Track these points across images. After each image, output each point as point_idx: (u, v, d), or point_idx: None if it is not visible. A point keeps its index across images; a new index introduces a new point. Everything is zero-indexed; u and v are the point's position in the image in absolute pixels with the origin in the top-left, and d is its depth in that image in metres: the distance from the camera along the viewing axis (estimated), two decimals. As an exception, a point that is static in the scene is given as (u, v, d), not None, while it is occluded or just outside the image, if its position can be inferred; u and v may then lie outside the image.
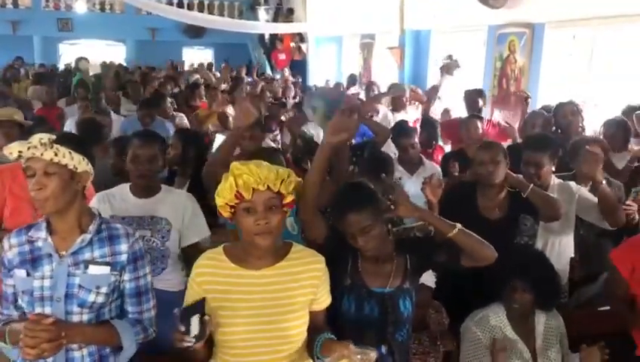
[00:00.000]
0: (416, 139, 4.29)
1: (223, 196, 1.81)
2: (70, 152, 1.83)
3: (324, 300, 1.97)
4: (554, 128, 4.61)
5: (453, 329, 2.80)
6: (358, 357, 1.72)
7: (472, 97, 5.52)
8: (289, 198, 1.84)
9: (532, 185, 2.99)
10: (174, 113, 6.38)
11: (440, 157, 4.91)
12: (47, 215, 1.89)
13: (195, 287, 1.87)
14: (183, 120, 6.35)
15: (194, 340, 1.67)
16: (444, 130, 5.52)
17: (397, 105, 6.72)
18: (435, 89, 7.04)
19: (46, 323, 1.72)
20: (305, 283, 1.90)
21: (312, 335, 1.92)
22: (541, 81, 7.54)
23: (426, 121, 5.48)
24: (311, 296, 1.92)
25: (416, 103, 7.20)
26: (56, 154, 1.80)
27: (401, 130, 4.33)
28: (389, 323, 2.17)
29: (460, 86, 6.70)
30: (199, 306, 1.71)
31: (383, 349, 2.18)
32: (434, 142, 5.18)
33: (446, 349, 2.78)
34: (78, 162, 1.86)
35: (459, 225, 2.15)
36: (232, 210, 1.83)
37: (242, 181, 1.76)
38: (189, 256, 2.69)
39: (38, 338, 1.69)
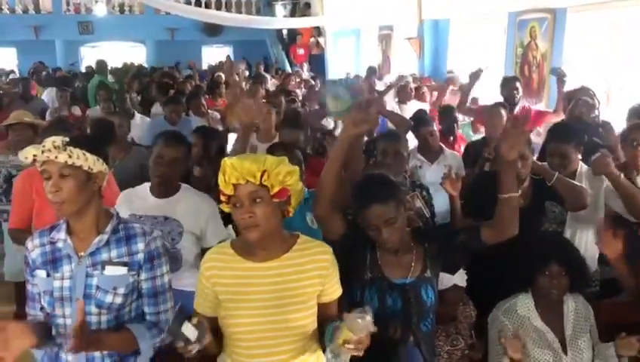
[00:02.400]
0: (435, 128, 4.26)
1: (222, 192, 1.83)
2: (84, 153, 1.84)
3: (333, 291, 1.96)
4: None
5: (481, 321, 2.77)
6: (359, 321, 1.69)
7: (510, 84, 5.41)
8: (276, 188, 1.80)
9: (557, 173, 2.92)
10: (209, 111, 6.39)
11: (461, 147, 4.85)
12: (66, 216, 1.90)
13: (204, 281, 1.89)
14: (217, 118, 6.37)
15: (197, 344, 1.66)
16: (477, 117, 5.45)
17: (403, 97, 6.67)
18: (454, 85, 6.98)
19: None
20: (312, 273, 1.90)
21: (323, 326, 1.91)
22: (564, 66, 7.39)
23: (445, 110, 5.41)
24: (319, 286, 1.91)
25: (426, 95, 7.13)
26: (70, 156, 1.81)
27: (418, 119, 4.31)
28: (413, 314, 2.16)
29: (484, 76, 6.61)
30: (181, 314, 1.70)
31: (411, 340, 2.16)
32: (454, 131, 5.11)
33: (470, 343, 2.75)
34: (92, 163, 1.86)
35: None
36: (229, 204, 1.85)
37: (225, 177, 1.78)
38: None
39: None
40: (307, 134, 4.06)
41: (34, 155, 1.81)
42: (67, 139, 1.85)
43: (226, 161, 1.79)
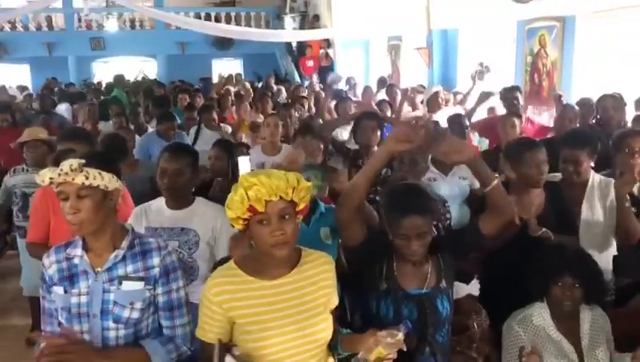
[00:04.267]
0: None
1: (234, 209, 1.78)
2: (100, 173, 1.86)
3: (335, 299, 1.98)
4: (593, 121, 4.50)
5: (494, 331, 2.76)
6: (388, 339, 1.74)
7: (510, 94, 5.42)
8: (302, 205, 1.82)
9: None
10: (221, 124, 6.44)
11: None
12: (83, 235, 1.92)
13: (214, 308, 1.83)
14: (229, 131, 6.42)
15: None
16: (480, 128, 5.45)
17: (433, 107, 6.66)
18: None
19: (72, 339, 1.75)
20: (322, 284, 1.91)
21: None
22: (574, 74, 7.38)
23: (453, 119, 5.41)
24: (328, 296, 1.92)
25: (453, 103, 7.14)
26: (87, 178, 1.82)
27: (438, 132, 4.30)
28: (428, 325, 2.16)
29: (492, 85, 6.61)
30: (222, 348, 1.71)
31: (427, 351, 2.16)
32: (464, 140, 5.10)
33: (480, 354, 2.74)
34: (108, 181, 1.88)
35: (500, 177, 2.17)
36: (245, 222, 1.81)
37: (253, 193, 1.73)
38: None
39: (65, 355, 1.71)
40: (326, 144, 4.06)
41: (50, 178, 1.82)
42: (83, 161, 1.86)
43: (249, 179, 1.76)
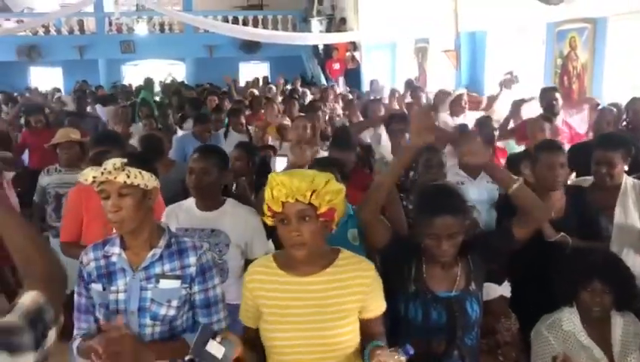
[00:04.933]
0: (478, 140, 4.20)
1: (265, 207, 1.85)
2: (140, 172, 1.90)
3: (376, 307, 1.95)
4: (624, 124, 4.42)
5: (524, 336, 2.73)
6: (392, 360, 1.68)
7: (549, 95, 5.33)
8: (323, 209, 1.82)
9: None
10: (249, 127, 6.51)
11: (501, 160, 4.80)
12: (123, 234, 1.97)
13: (247, 293, 1.95)
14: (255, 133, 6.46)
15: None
16: (516, 131, 5.39)
17: (456, 110, 6.62)
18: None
19: (118, 328, 1.76)
20: (354, 289, 1.89)
21: (365, 343, 1.90)
22: (605, 76, 7.25)
23: (481, 122, 5.36)
24: (359, 302, 1.91)
25: (480, 107, 7.09)
26: (128, 176, 1.87)
27: (460, 133, 4.28)
28: (457, 328, 2.14)
29: (521, 88, 6.55)
30: (204, 332, 1.72)
31: (456, 354, 2.14)
32: (493, 143, 5.06)
33: (508, 358, 2.71)
34: (147, 180, 1.92)
35: (521, 179, 2.16)
36: (274, 218, 1.86)
37: (274, 193, 1.78)
38: None
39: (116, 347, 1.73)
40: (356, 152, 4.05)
41: (93, 177, 1.87)
42: (126, 160, 1.91)
43: (275, 178, 1.80)
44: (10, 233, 1.39)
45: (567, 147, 3.80)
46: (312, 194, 1.78)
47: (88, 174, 1.89)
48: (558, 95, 5.31)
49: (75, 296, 2.07)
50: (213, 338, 1.70)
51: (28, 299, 1.27)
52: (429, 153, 3.26)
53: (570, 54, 7.75)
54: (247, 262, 2.85)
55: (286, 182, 1.77)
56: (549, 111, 5.07)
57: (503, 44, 9.62)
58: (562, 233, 2.77)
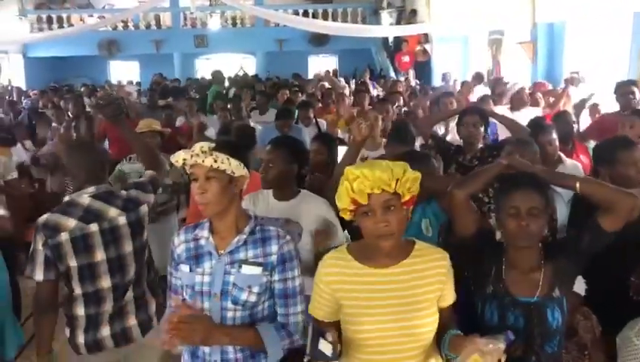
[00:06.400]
0: (555, 136, 4.05)
1: (342, 201, 1.85)
2: (228, 158, 1.96)
3: (450, 296, 1.95)
4: None
5: (607, 339, 2.61)
6: (488, 347, 1.68)
7: (625, 89, 5.07)
8: (407, 196, 1.83)
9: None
10: (318, 120, 6.57)
11: (580, 157, 4.60)
12: (208, 216, 2.04)
13: (322, 286, 1.93)
14: (324, 127, 6.53)
15: (334, 360, 1.73)
16: (590, 130, 5.17)
17: (517, 104, 6.41)
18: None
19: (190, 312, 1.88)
20: (431, 279, 1.89)
21: (439, 332, 1.91)
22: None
23: (560, 116, 5.15)
24: (438, 292, 1.90)
25: (540, 101, 6.85)
26: (215, 161, 1.93)
27: (536, 125, 4.11)
28: (535, 335, 2.06)
29: (604, 80, 6.29)
30: (315, 332, 1.76)
31: (533, 360, 2.08)
32: (572, 139, 4.86)
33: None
34: (235, 167, 1.98)
35: (582, 176, 2.07)
36: (353, 213, 1.86)
37: (356, 186, 1.78)
38: None
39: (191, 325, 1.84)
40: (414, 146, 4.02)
41: (183, 159, 1.96)
42: (213, 144, 1.99)
43: (353, 171, 1.81)
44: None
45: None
46: (396, 183, 1.79)
47: (179, 156, 1.98)
48: (635, 89, 5.02)
49: (168, 275, 2.18)
50: (323, 336, 1.75)
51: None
52: (516, 148, 3.16)
53: (657, 45, 7.34)
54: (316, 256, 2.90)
55: (368, 174, 1.78)
56: (625, 107, 4.81)
57: (583, 35, 9.21)
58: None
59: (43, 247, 2.52)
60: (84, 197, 2.63)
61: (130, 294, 2.72)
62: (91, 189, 2.65)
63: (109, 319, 2.67)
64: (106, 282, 2.63)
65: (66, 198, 2.71)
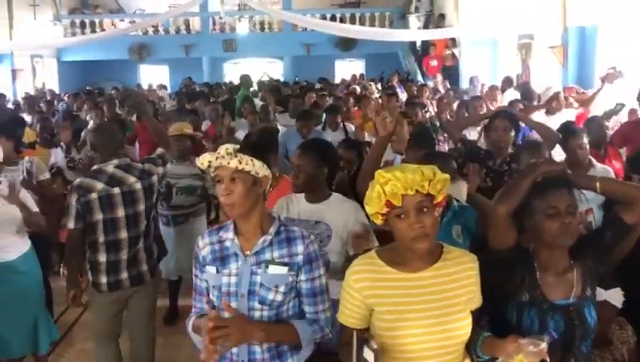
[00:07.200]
0: (585, 140, 4.01)
1: (373, 205, 1.84)
2: (252, 160, 1.98)
3: (479, 299, 1.94)
4: None
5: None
6: (531, 348, 1.69)
7: None
8: (439, 197, 1.82)
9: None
10: (345, 124, 6.59)
11: (612, 162, 4.53)
12: (234, 217, 2.07)
13: (353, 293, 1.90)
14: (352, 130, 6.55)
15: None
16: (614, 137, 5.08)
17: (552, 108, 6.32)
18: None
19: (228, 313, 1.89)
20: (463, 282, 1.89)
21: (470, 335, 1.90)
22: None
23: (592, 121, 5.07)
24: (471, 294, 1.90)
25: (572, 105, 6.75)
26: (240, 162, 1.96)
27: (567, 130, 4.07)
28: (576, 336, 2.04)
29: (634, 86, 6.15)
30: (360, 339, 1.77)
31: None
32: (604, 144, 4.78)
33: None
34: (259, 168, 2.00)
35: (600, 176, 2.14)
36: (384, 216, 1.85)
37: (389, 188, 1.77)
38: None
39: (225, 329, 1.83)
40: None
41: (209, 161, 1.99)
42: (237, 146, 2.02)
43: (384, 174, 1.80)
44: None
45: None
46: (429, 184, 1.79)
47: (205, 159, 2.01)
48: None
49: (193, 277, 2.20)
50: (367, 344, 1.76)
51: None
52: (528, 151, 3.14)
53: (694, 49, 7.16)
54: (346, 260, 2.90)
55: (400, 176, 1.77)
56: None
57: (615, 39, 9.04)
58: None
59: (76, 203, 3.25)
60: (110, 167, 3.35)
61: (141, 244, 3.43)
62: (115, 161, 3.37)
63: (127, 264, 3.38)
64: (124, 233, 3.35)
65: (95, 167, 3.44)
